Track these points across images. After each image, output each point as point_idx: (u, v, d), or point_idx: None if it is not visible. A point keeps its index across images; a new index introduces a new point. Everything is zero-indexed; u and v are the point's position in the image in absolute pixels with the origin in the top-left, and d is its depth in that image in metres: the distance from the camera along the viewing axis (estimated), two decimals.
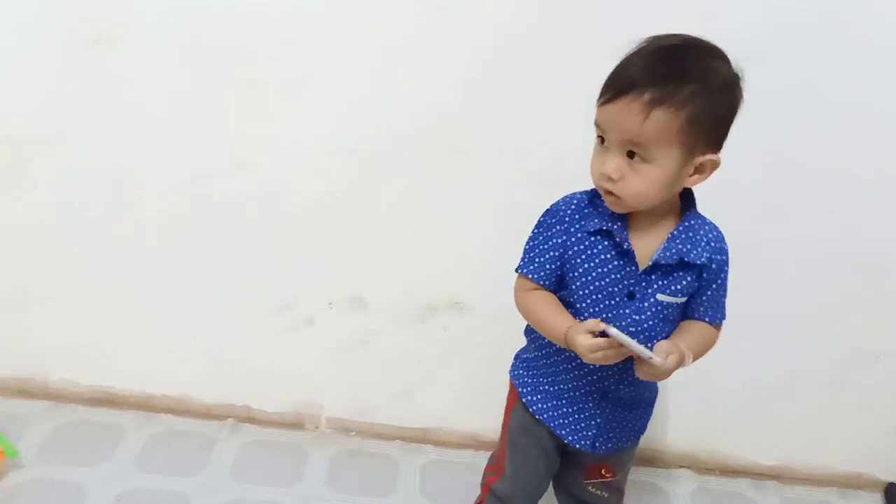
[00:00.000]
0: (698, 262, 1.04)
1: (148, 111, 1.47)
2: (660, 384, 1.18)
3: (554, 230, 1.08)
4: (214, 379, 1.72)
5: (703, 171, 0.98)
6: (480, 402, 1.57)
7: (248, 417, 1.74)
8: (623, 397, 1.14)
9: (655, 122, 0.92)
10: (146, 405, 1.74)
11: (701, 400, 1.67)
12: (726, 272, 1.08)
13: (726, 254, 1.08)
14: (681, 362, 1.01)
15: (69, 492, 1.49)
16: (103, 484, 1.52)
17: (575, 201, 1.08)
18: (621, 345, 0.96)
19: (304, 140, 1.49)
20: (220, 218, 1.56)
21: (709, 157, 0.97)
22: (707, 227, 1.06)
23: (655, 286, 1.04)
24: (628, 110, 0.93)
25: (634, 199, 0.98)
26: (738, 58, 0.98)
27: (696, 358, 1.05)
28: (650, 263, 1.03)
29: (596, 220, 1.04)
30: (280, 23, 1.40)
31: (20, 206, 1.57)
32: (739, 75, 0.97)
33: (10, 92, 1.47)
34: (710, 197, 1.08)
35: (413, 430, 1.74)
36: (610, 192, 0.99)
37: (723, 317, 1.11)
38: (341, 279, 1.62)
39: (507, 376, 1.24)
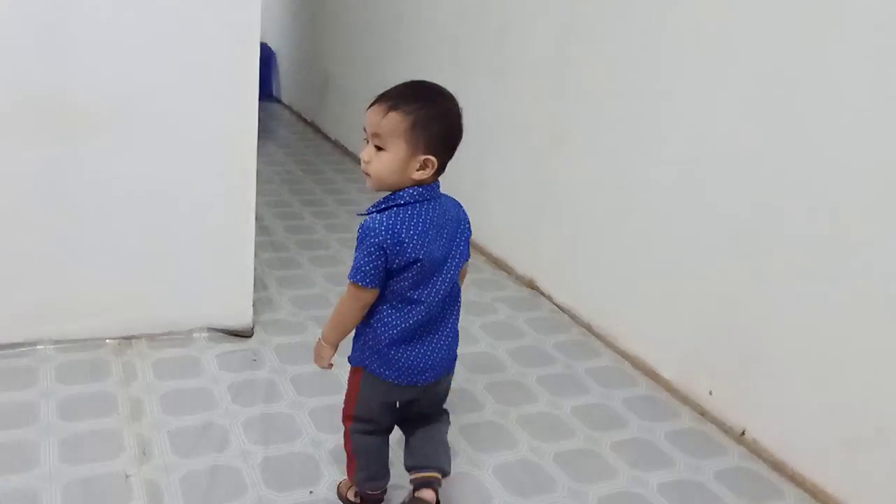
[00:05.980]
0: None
1: None
2: None
3: None
4: None
5: (425, 167, 1.39)
6: None
7: None
8: None
9: (390, 121, 1.37)
10: None
11: None
12: (358, 242, 1.43)
13: (362, 230, 1.42)
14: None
15: None
16: None
17: None
18: None
19: None
20: None
21: (429, 157, 1.39)
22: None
23: None
24: (378, 111, 1.39)
25: (377, 177, 1.41)
26: None
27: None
28: None
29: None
30: None
31: None
32: (458, 112, 1.41)
33: None
34: None
35: None
36: (366, 174, 1.42)
37: (351, 276, 1.44)
38: None
39: None
